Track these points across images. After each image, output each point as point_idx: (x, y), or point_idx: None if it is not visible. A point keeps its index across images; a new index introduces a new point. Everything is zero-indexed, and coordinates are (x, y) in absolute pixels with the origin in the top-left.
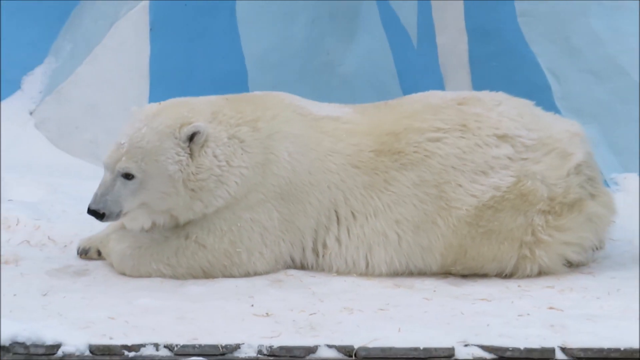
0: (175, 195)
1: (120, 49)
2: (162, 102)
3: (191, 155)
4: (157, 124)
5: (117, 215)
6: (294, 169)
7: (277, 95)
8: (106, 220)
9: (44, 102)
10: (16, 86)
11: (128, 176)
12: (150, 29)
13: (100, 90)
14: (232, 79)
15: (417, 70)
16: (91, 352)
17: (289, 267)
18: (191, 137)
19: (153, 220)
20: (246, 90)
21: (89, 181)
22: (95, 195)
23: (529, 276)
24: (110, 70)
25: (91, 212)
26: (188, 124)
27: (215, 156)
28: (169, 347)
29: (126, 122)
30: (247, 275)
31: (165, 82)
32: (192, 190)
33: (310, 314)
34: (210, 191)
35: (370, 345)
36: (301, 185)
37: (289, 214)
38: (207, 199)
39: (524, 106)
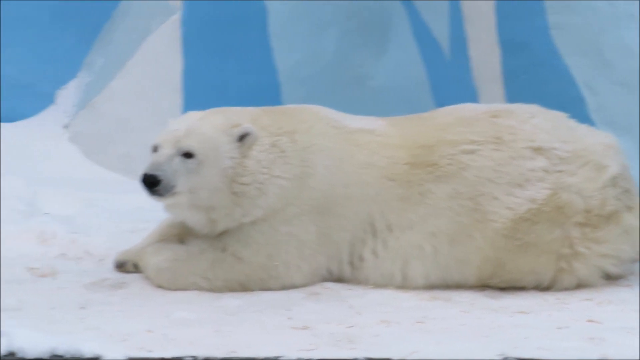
0: (221, 193)
1: (152, 62)
2: (202, 111)
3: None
4: (211, 121)
5: (170, 190)
6: (330, 183)
7: (311, 108)
8: (158, 193)
9: (77, 116)
10: (50, 100)
11: (189, 155)
12: (183, 43)
13: (133, 104)
14: (265, 93)
15: (449, 83)
16: None
17: (325, 280)
18: (241, 138)
19: (191, 217)
20: (279, 103)
21: (123, 195)
22: (153, 163)
23: (566, 289)
24: (143, 84)
25: (147, 177)
26: (238, 125)
27: (258, 161)
28: None
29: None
30: (284, 288)
31: (198, 96)
32: (235, 194)
33: (348, 327)
34: (251, 199)
35: (408, 359)
36: (337, 198)
37: (326, 227)
38: (247, 206)
39: (558, 118)
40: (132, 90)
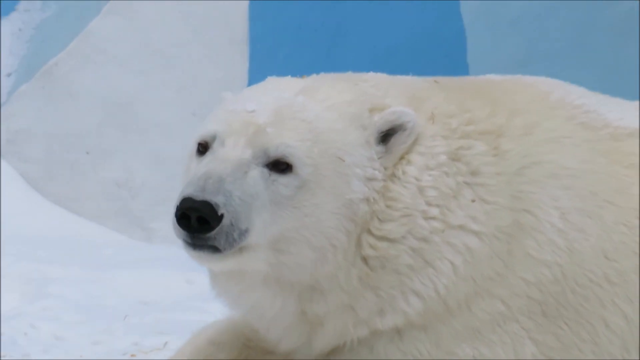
0: (339, 255)
1: None
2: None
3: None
4: (326, 97)
5: (239, 238)
6: (571, 248)
7: (534, 84)
8: (211, 243)
9: (14, 97)
10: None
11: (280, 165)
12: None
13: (130, 74)
14: (434, 47)
15: None
16: None
17: None
18: (386, 136)
19: (267, 305)
20: (463, 72)
21: (110, 271)
22: (204, 176)
23: None
24: (159, 34)
25: (192, 206)
26: (381, 108)
27: (420, 189)
28: None
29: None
30: None
31: (279, 53)
32: (366, 261)
33: None
34: (400, 276)
35: None
36: (586, 282)
37: (560, 347)
38: (390, 293)
39: None
40: (127, 43)
